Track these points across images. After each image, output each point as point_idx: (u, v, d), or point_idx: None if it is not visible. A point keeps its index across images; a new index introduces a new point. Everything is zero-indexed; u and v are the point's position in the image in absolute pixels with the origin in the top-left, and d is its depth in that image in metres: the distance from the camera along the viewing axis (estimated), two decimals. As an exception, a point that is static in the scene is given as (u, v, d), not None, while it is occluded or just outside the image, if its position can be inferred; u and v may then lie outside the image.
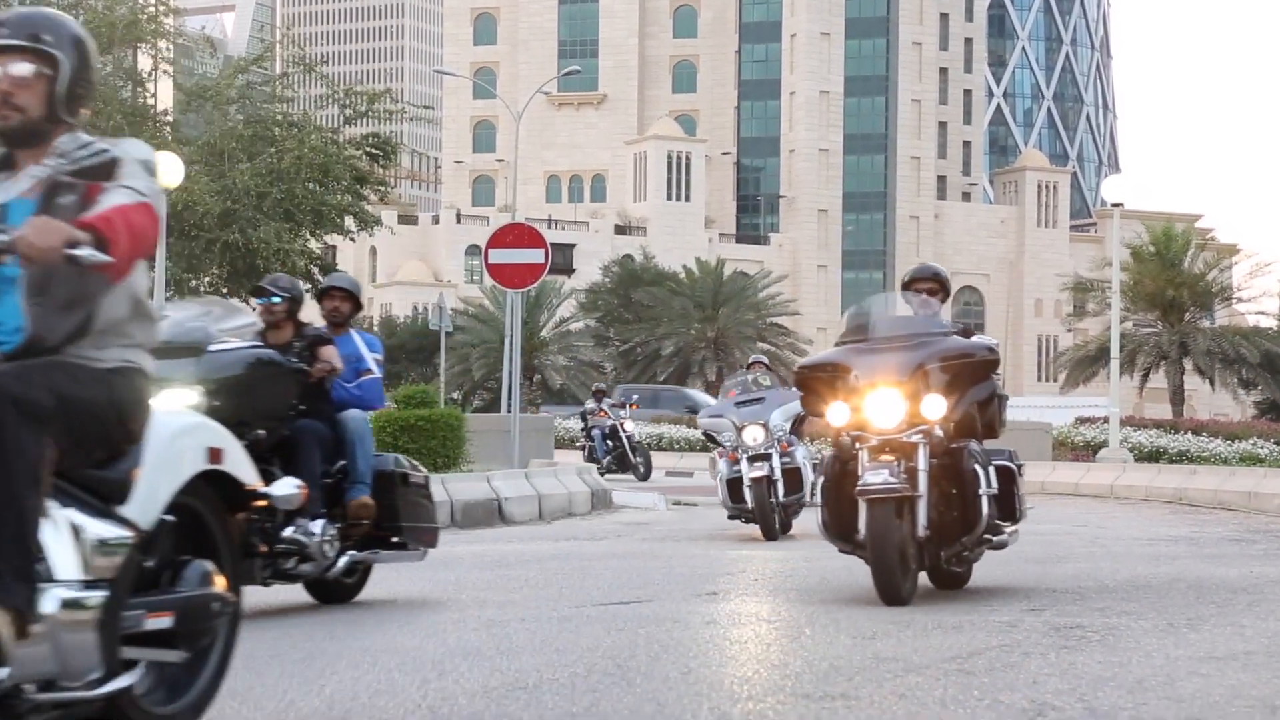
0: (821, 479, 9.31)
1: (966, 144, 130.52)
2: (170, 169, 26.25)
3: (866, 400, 8.98)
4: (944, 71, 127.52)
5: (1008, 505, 9.55)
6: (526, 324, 60.90)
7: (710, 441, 18.20)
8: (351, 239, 40.13)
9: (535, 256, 22.97)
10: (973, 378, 9.34)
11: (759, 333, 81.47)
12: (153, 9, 36.53)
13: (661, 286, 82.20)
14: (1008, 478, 9.56)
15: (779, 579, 10.97)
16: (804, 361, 9.81)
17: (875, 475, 8.74)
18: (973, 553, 9.49)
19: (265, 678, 6.34)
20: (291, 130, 35.91)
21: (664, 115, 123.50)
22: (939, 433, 8.98)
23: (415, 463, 10.33)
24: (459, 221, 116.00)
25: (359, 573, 9.72)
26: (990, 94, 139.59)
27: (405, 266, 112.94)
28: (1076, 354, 63.18)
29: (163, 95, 37.87)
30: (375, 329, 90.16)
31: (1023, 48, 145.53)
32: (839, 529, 9.18)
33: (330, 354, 9.60)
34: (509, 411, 25.78)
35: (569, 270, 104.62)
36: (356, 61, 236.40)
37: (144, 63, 37.60)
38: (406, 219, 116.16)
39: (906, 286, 9.95)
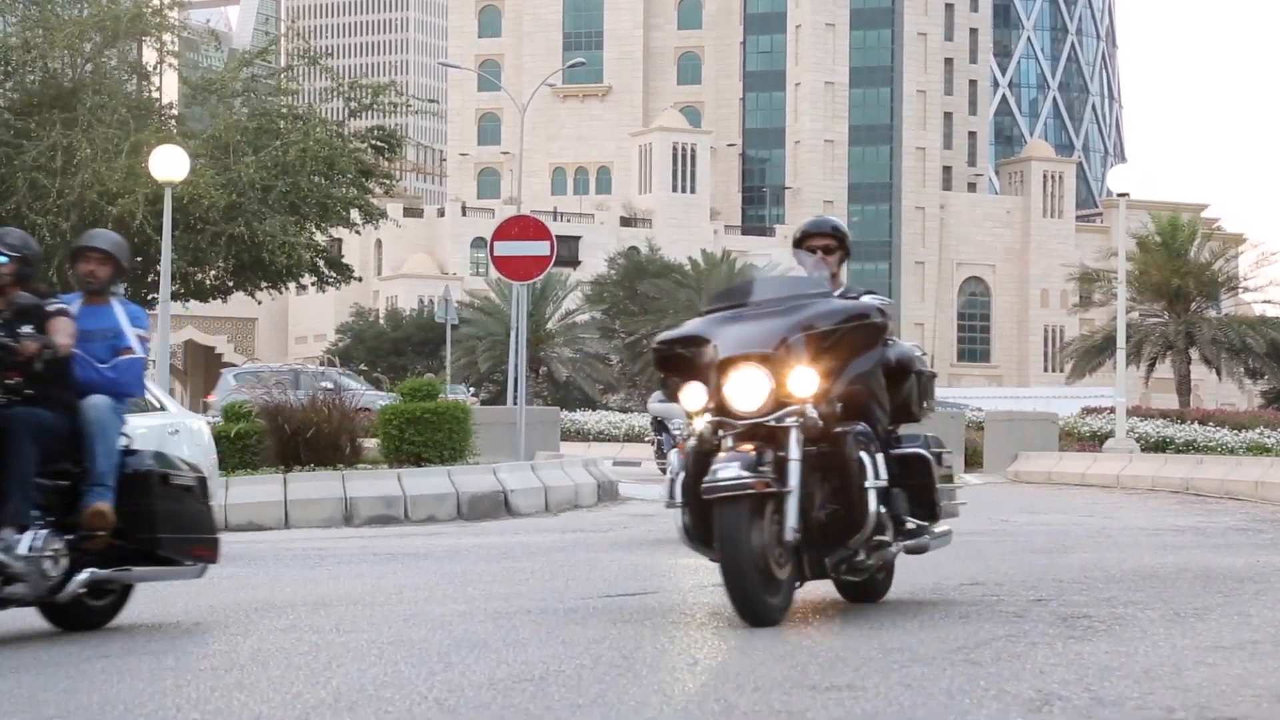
0: (681, 475, 7.71)
1: (972, 134, 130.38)
2: (175, 162, 26.26)
3: (726, 378, 7.54)
4: (949, 62, 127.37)
5: (924, 500, 8.24)
6: (532, 316, 60.95)
7: (661, 431, 16.72)
8: (357, 232, 40.15)
9: (540, 249, 22.99)
10: (854, 346, 7.90)
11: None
12: (157, 2, 36.53)
13: (667, 278, 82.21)
14: (921, 468, 8.27)
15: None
16: (663, 335, 8.15)
17: (726, 468, 7.31)
18: (870, 558, 7.94)
19: (271, 670, 6.35)
20: (296, 123, 35.91)
21: (669, 107, 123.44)
22: (813, 413, 7.55)
23: (188, 461, 8.74)
24: (464, 214, 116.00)
25: (114, 593, 8.16)
26: (996, 84, 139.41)
27: (411, 259, 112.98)
28: (1083, 344, 63.20)
29: (167, 88, 37.89)
30: (382, 321, 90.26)
31: (1028, 38, 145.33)
32: (703, 533, 7.58)
33: (60, 328, 7.89)
34: (515, 404, 25.79)
35: (574, 262, 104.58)
36: (361, 54, 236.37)
37: (149, 56, 37.61)
38: (412, 212, 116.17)
39: (799, 244, 8.73)
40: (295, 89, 38.92)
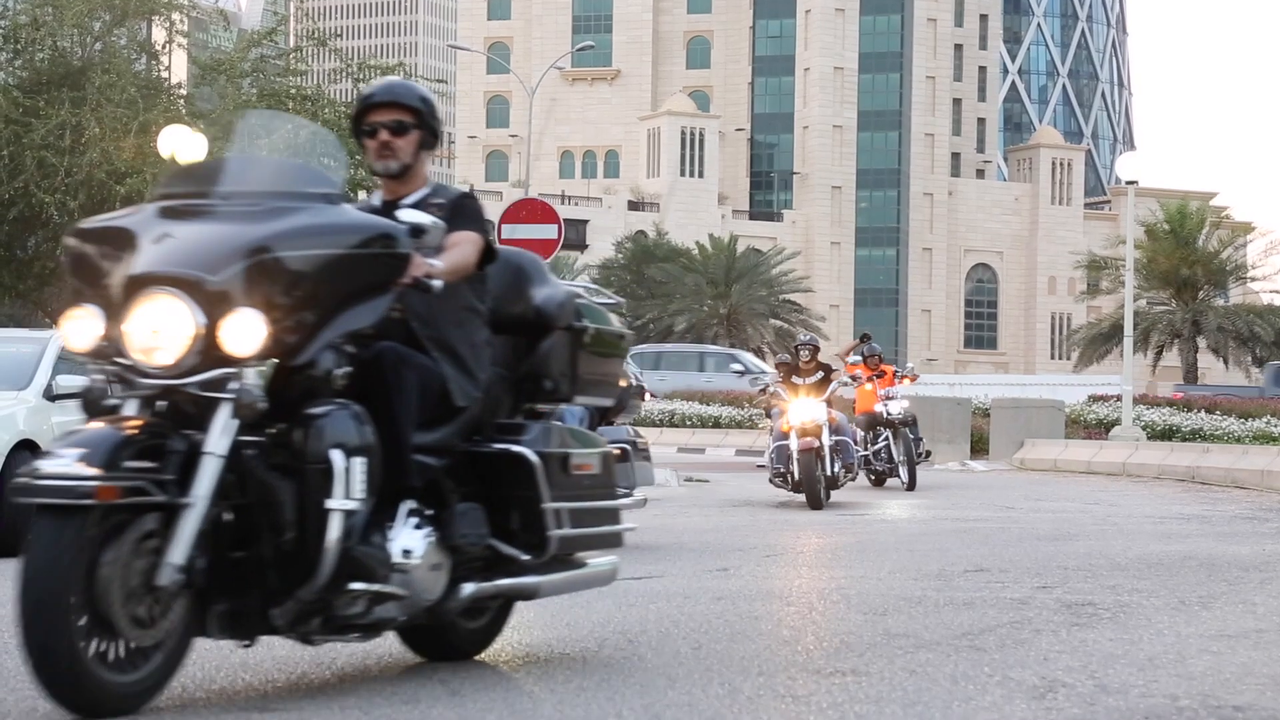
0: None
1: (981, 121, 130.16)
2: (186, 142, 26.24)
3: (132, 307, 4.94)
4: (959, 48, 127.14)
5: (529, 524, 5.63)
6: (539, 299, 60.86)
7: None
8: (365, 213, 40.13)
9: (548, 232, 22.97)
10: (350, 284, 5.14)
11: (772, 309, 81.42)
12: (166, -18, 36.49)
13: (674, 263, 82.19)
14: (518, 476, 5.61)
15: (789, 555, 10.98)
16: (85, 222, 5.45)
17: (55, 459, 4.72)
18: (372, 610, 5.18)
19: (276, 651, 6.36)
20: (305, 104, 35.88)
21: (678, 91, 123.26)
22: (255, 381, 4.93)
23: None
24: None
25: None
26: (1005, 71, 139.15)
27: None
28: (1090, 332, 63.21)
29: (176, 68, 37.89)
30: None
31: (1038, 24, 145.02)
32: None
33: None
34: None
35: (582, 246, 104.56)
36: (370, 36, 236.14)
37: (158, 35, 37.61)
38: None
39: (358, 120, 5.81)
40: (304, 70, 38.89)
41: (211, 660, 6.11)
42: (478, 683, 5.54)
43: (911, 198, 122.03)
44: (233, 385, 4.92)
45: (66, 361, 12.57)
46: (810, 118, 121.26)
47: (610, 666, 5.89)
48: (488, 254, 5.67)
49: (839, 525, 14.68)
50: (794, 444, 17.32)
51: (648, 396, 30.57)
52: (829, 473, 17.32)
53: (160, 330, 4.93)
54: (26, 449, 11.65)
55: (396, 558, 5.23)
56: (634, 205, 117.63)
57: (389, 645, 6.31)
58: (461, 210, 5.70)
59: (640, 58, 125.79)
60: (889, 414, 21.40)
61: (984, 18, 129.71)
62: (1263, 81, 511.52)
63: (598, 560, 6.10)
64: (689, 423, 40.71)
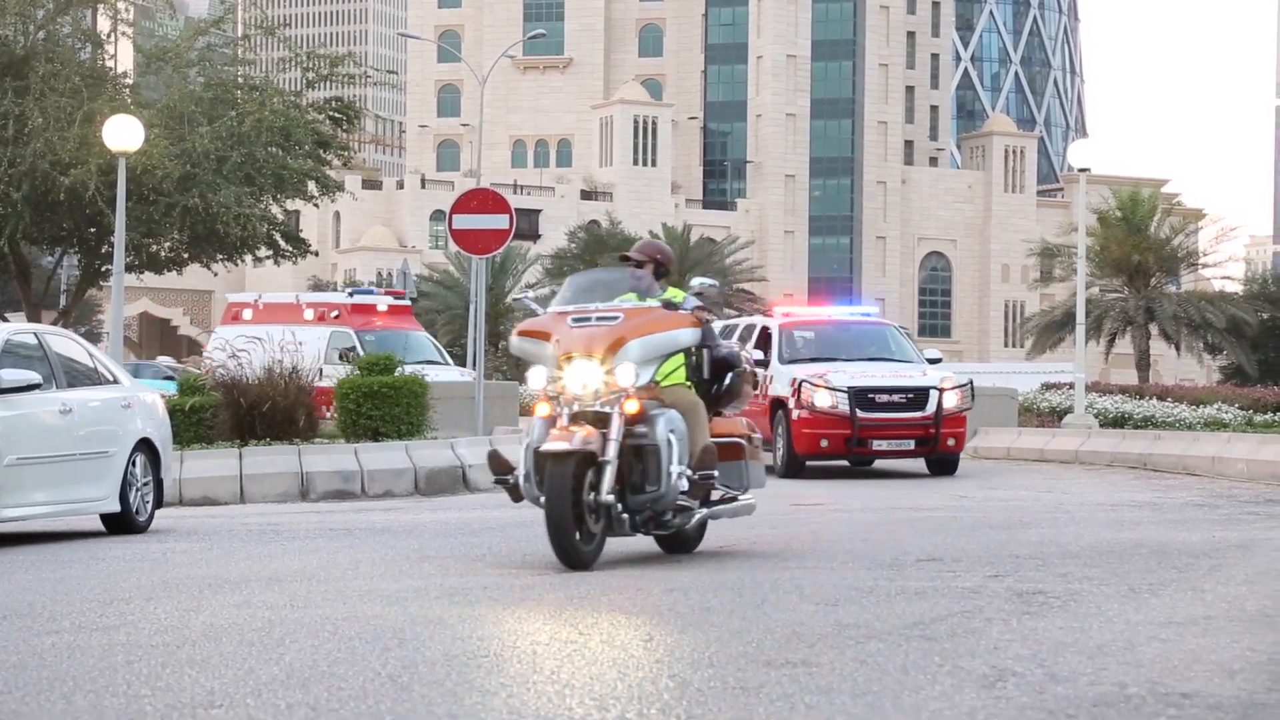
0: None
1: (934, 109, 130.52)
2: (129, 132, 26.01)
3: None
4: (911, 35, 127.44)
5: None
6: (491, 290, 60.83)
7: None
8: (315, 204, 39.90)
9: (500, 222, 22.89)
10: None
11: (726, 299, 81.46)
12: (112, -31, 36.16)
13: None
14: None
15: (743, 545, 10.96)
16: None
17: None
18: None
19: (224, 646, 6.30)
20: (252, 93, 35.61)
21: (630, 79, 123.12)
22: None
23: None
24: (423, 186, 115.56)
25: None
26: (958, 58, 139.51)
27: (369, 232, 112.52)
28: (1043, 320, 63.48)
29: (122, 57, 37.58)
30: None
31: (990, 11, 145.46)
32: None
33: None
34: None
35: (534, 236, 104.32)
36: (319, 24, 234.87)
37: (103, 24, 37.30)
38: (370, 184, 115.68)
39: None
40: (252, 59, 38.63)
41: (159, 658, 6.03)
42: (426, 677, 5.50)
43: (865, 186, 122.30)
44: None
45: (12, 355, 12.43)
46: (763, 106, 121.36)
47: (561, 659, 5.86)
48: None
49: (793, 515, 14.68)
50: None
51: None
52: None
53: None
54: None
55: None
56: (587, 195, 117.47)
57: (345, 641, 6.24)
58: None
59: (592, 46, 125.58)
60: None
61: (936, 5, 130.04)
62: (1214, 70, 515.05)
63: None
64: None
